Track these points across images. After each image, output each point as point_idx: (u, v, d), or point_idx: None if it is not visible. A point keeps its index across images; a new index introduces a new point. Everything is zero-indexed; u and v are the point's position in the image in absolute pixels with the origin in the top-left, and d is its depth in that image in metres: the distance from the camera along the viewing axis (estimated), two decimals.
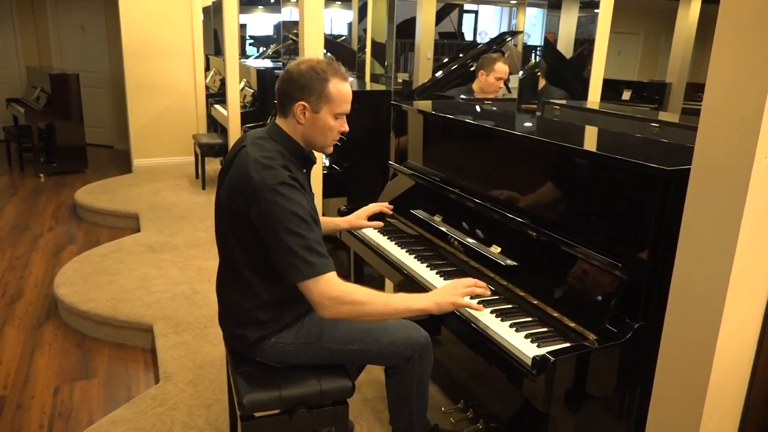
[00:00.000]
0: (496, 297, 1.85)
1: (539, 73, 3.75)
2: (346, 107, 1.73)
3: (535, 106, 3.34)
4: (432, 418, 2.37)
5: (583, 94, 3.51)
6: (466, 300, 1.70)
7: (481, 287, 1.73)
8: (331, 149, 1.82)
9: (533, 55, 4.74)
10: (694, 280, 1.25)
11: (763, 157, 1.10)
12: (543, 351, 1.50)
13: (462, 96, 3.77)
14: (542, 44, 4.10)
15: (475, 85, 3.71)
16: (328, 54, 5.83)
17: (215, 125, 6.90)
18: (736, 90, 1.12)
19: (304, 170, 1.80)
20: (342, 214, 2.51)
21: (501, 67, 3.56)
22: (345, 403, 1.82)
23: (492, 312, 1.76)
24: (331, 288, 1.57)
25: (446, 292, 1.70)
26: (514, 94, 4.41)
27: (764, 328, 1.29)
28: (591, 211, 1.76)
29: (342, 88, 1.70)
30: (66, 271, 3.70)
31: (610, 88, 4.65)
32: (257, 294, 1.72)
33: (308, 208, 1.64)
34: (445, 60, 6.02)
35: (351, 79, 5.17)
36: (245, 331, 1.77)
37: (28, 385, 2.75)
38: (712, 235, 1.20)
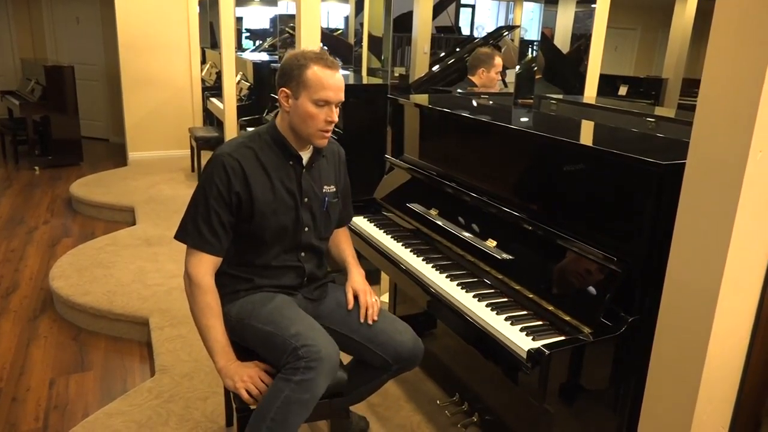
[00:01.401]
0: (492, 290, 1.86)
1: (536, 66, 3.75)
2: (327, 94, 1.70)
3: (531, 100, 3.34)
4: (427, 411, 2.39)
5: (580, 90, 3.51)
6: (242, 389, 1.69)
7: (253, 390, 1.69)
8: (321, 141, 1.78)
9: (530, 49, 4.74)
10: (688, 274, 1.26)
11: (758, 151, 1.10)
12: (538, 344, 1.51)
13: (458, 90, 3.77)
14: (539, 39, 4.10)
15: (476, 81, 3.73)
16: (325, 47, 5.82)
17: (211, 118, 6.88)
18: (731, 85, 1.12)
19: (291, 162, 1.80)
20: None
21: (499, 61, 3.66)
22: (341, 396, 1.83)
23: (487, 305, 1.76)
24: (189, 263, 1.74)
25: (235, 372, 1.71)
26: (511, 89, 4.40)
27: (757, 321, 1.30)
28: (586, 206, 1.76)
29: (321, 73, 1.69)
30: (61, 264, 3.69)
31: (607, 84, 4.65)
32: (234, 253, 1.83)
33: (223, 189, 1.69)
34: (442, 54, 6.01)
35: (345, 72, 5.16)
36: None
37: (24, 377, 2.74)
38: (707, 229, 1.20)
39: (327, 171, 1.92)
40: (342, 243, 2.09)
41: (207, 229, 1.71)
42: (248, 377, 1.70)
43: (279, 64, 1.78)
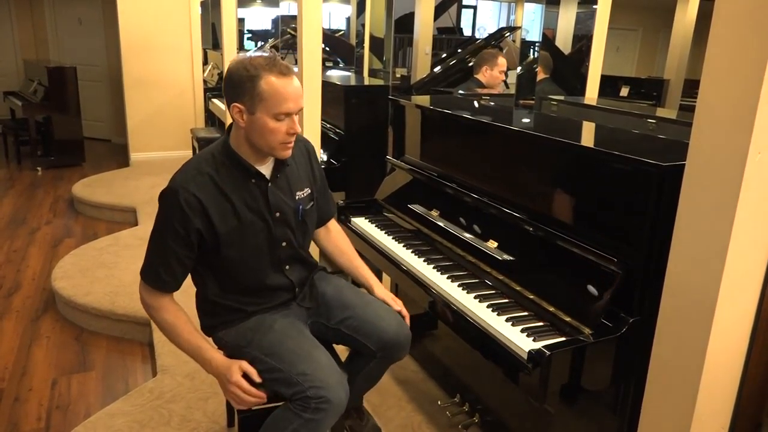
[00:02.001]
0: (493, 291, 1.87)
1: (537, 67, 3.75)
2: (287, 106, 1.55)
3: (532, 101, 3.35)
4: (428, 411, 2.39)
5: (581, 91, 3.51)
6: (235, 389, 1.62)
7: (245, 401, 1.63)
8: (285, 153, 1.63)
9: (531, 50, 4.74)
10: (688, 274, 1.26)
11: (757, 152, 1.11)
12: (539, 345, 1.51)
13: (460, 91, 3.78)
14: (540, 40, 4.11)
15: (482, 79, 3.76)
16: (326, 48, 5.83)
17: (213, 119, 6.88)
18: (730, 86, 1.13)
19: (253, 180, 1.66)
20: (340, 209, 2.52)
21: (503, 61, 3.70)
22: None
23: (488, 306, 1.77)
24: (142, 293, 1.70)
25: (224, 376, 1.63)
26: (512, 90, 4.41)
27: (756, 322, 1.30)
28: (587, 206, 1.77)
29: (278, 84, 1.53)
30: (63, 264, 3.70)
31: (609, 85, 4.65)
32: (206, 284, 1.75)
33: (181, 228, 1.58)
34: (444, 55, 6.02)
35: (347, 73, 5.16)
36: (201, 317, 1.82)
37: (26, 377, 2.75)
38: (706, 230, 1.21)
39: (297, 175, 1.78)
40: (342, 246, 2.02)
41: (163, 270, 1.63)
42: (235, 383, 1.61)
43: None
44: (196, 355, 1.68)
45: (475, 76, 3.85)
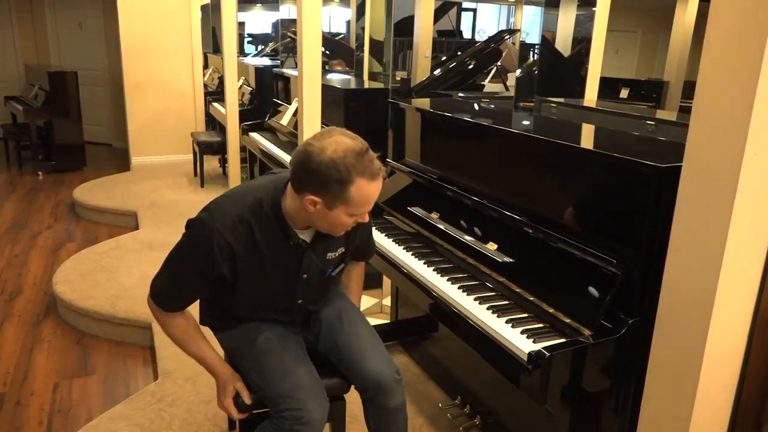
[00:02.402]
0: (493, 293, 1.87)
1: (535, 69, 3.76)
2: (367, 208, 1.50)
3: (532, 103, 3.36)
4: (429, 414, 2.39)
5: (581, 93, 3.52)
6: (223, 406, 1.70)
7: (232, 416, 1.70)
8: (336, 233, 1.58)
9: (531, 53, 4.75)
10: (685, 275, 1.27)
11: (753, 153, 1.11)
12: (539, 346, 1.51)
13: (459, 94, 3.78)
14: (540, 42, 4.12)
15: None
16: (326, 51, 5.84)
17: (213, 123, 6.90)
18: (725, 89, 1.14)
19: (291, 243, 1.59)
20: None
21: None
22: (342, 400, 1.84)
23: (489, 308, 1.77)
24: (152, 309, 1.67)
25: (220, 390, 1.71)
26: (512, 92, 4.42)
27: (754, 323, 1.31)
28: (586, 208, 1.77)
29: (366, 190, 1.44)
30: (65, 268, 3.70)
31: (608, 87, 4.66)
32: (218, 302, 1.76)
33: (206, 267, 1.54)
34: (444, 58, 6.03)
35: (347, 77, 5.18)
36: (200, 310, 1.82)
37: (27, 382, 2.76)
38: (703, 231, 1.21)
39: (335, 238, 1.67)
40: (350, 285, 1.97)
41: (179, 296, 1.64)
42: (224, 406, 1.69)
43: (302, 150, 1.42)
44: (202, 363, 1.73)
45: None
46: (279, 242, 1.57)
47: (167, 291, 1.63)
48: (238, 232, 1.53)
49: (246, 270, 1.57)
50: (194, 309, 1.76)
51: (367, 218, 1.56)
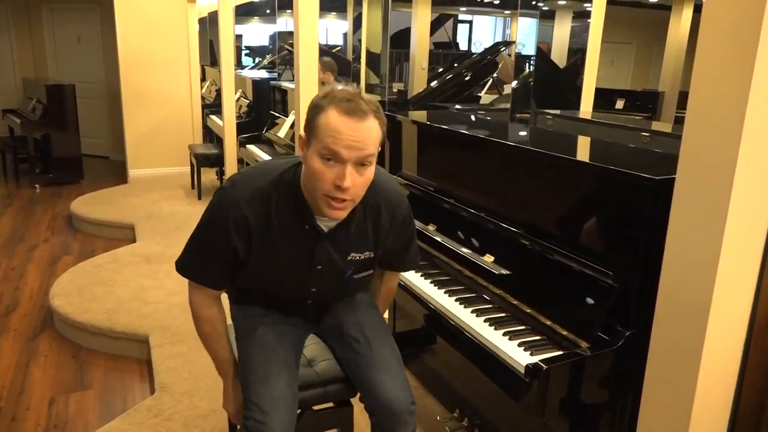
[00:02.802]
0: (490, 306, 1.87)
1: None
2: (335, 145, 1.30)
3: (528, 115, 3.37)
4: (427, 426, 2.38)
5: (577, 103, 3.54)
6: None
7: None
8: (329, 211, 1.39)
9: (527, 64, 4.78)
10: (681, 286, 1.27)
11: (745, 165, 1.12)
12: (536, 359, 1.51)
13: (457, 106, 3.80)
14: (535, 54, 4.15)
15: None
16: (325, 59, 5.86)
17: (211, 136, 6.92)
18: (718, 101, 1.15)
19: (307, 227, 1.49)
20: None
21: None
22: (349, 405, 1.83)
23: (485, 321, 1.77)
24: (189, 293, 1.62)
25: (225, 399, 1.74)
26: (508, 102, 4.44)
27: (750, 331, 1.31)
28: (582, 220, 1.78)
29: (337, 120, 1.31)
30: (61, 282, 3.69)
31: (604, 97, 4.69)
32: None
33: (221, 241, 1.49)
34: (440, 70, 6.07)
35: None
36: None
37: (23, 396, 2.74)
38: (698, 241, 1.22)
39: (362, 236, 1.56)
40: (380, 297, 1.85)
41: (202, 266, 1.57)
42: (237, 408, 1.69)
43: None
44: (215, 364, 1.72)
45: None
46: (294, 222, 1.49)
47: (188, 257, 1.57)
48: (256, 207, 1.46)
49: (259, 247, 1.50)
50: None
51: (346, 179, 1.32)
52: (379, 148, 1.40)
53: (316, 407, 1.80)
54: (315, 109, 1.36)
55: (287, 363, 1.64)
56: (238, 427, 1.72)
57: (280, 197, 1.47)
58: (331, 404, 1.82)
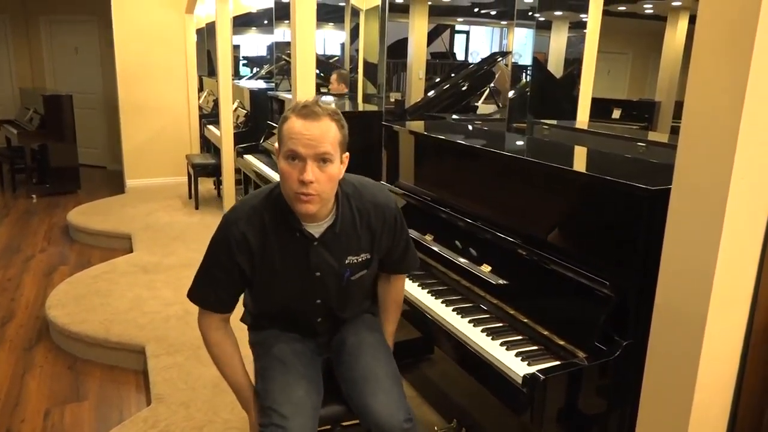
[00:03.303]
0: (487, 316, 1.87)
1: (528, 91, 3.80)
2: (293, 144, 1.45)
3: (525, 125, 3.38)
4: None
5: (573, 113, 3.55)
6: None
7: None
8: (300, 206, 1.49)
9: (524, 74, 4.80)
10: (677, 295, 1.27)
11: (740, 177, 1.12)
12: (533, 369, 1.51)
13: (453, 116, 3.81)
14: (532, 64, 4.16)
15: None
16: (321, 74, 5.89)
17: (208, 146, 6.92)
18: (713, 113, 1.15)
19: (297, 234, 1.58)
20: None
21: None
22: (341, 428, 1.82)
23: (483, 331, 1.77)
24: (198, 319, 1.70)
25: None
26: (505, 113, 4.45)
27: (747, 340, 1.31)
28: (579, 230, 1.78)
29: (292, 123, 1.46)
30: (58, 292, 3.68)
31: (601, 107, 4.70)
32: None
33: (226, 260, 1.59)
34: (437, 80, 6.08)
35: (340, 101, 5.21)
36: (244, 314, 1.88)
37: (19, 408, 2.72)
38: (694, 251, 1.22)
39: (355, 238, 1.64)
40: (388, 304, 1.88)
41: (210, 291, 1.65)
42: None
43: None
44: (239, 400, 1.74)
45: None
46: (286, 232, 1.58)
47: (197, 284, 1.67)
48: (254, 223, 1.57)
49: (261, 266, 1.60)
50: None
51: (307, 174, 1.43)
52: (346, 153, 1.56)
53: (344, 423, 1.79)
54: (281, 120, 1.51)
55: (306, 376, 1.67)
56: None
57: (271, 211, 1.58)
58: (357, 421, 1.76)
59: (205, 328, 1.69)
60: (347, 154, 1.57)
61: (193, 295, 1.68)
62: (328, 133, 1.47)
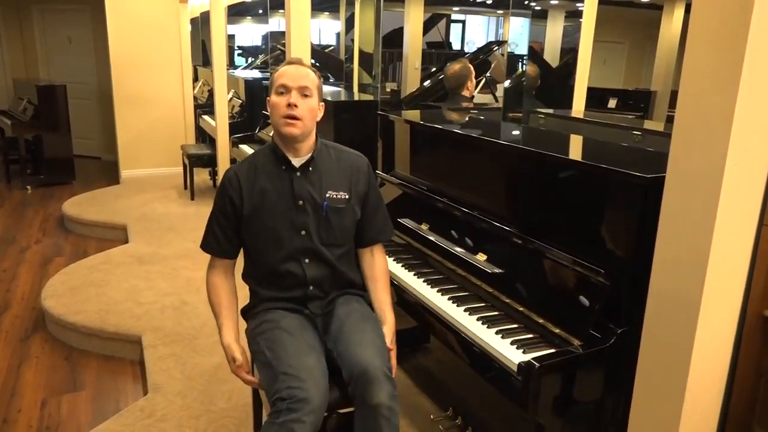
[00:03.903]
0: (483, 304, 1.87)
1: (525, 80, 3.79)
2: (283, 80, 1.79)
3: (520, 114, 3.38)
4: (421, 425, 2.38)
5: (569, 103, 3.55)
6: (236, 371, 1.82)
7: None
8: (286, 129, 1.78)
9: (519, 64, 4.78)
10: (671, 283, 1.28)
11: (734, 164, 1.13)
12: (528, 357, 1.52)
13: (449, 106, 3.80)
14: (528, 53, 4.15)
15: (466, 94, 3.75)
16: (316, 64, 5.87)
17: (203, 136, 6.90)
18: (707, 100, 1.15)
19: (283, 167, 1.85)
20: None
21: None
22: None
23: (478, 319, 1.77)
24: (207, 269, 1.94)
25: (226, 352, 1.83)
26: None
27: (741, 328, 1.32)
28: (575, 219, 1.78)
29: (283, 68, 1.82)
30: (53, 283, 3.68)
31: (597, 97, 4.70)
32: (245, 265, 1.97)
33: (221, 200, 1.86)
34: (433, 69, 6.06)
35: (337, 88, 5.18)
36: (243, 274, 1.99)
37: (15, 398, 2.73)
38: (688, 239, 1.23)
39: (335, 177, 1.88)
40: (377, 275, 1.95)
41: (211, 234, 1.90)
42: (235, 366, 1.80)
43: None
44: (220, 328, 1.87)
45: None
46: (273, 168, 1.86)
47: (205, 234, 1.92)
48: (243, 167, 1.89)
49: (249, 198, 1.84)
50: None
51: (292, 99, 1.76)
52: (322, 103, 1.87)
53: (341, 410, 1.79)
54: (273, 71, 1.89)
55: (314, 346, 1.76)
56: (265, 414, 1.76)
57: (263, 154, 1.91)
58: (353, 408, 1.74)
59: (208, 272, 1.93)
60: (323, 103, 1.88)
61: (203, 243, 1.93)
62: (308, 75, 1.82)
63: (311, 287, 1.85)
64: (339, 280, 1.89)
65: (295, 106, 1.77)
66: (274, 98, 1.81)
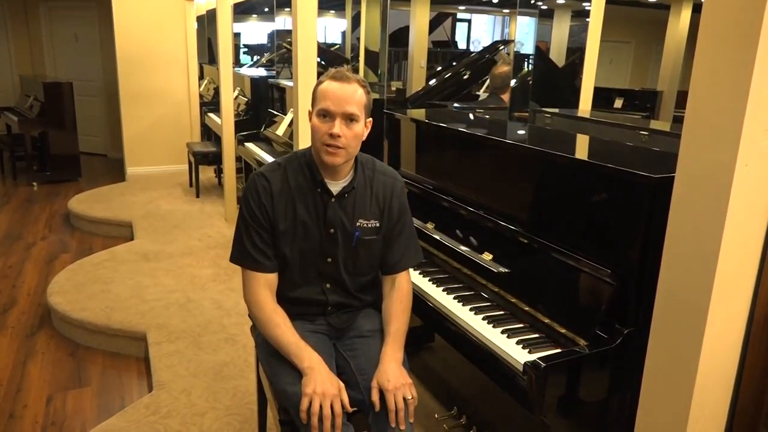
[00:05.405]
0: (488, 304, 1.87)
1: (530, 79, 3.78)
2: (326, 103, 1.60)
3: (527, 114, 3.37)
4: (425, 425, 2.38)
5: (576, 103, 3.54)
6: (305, 401, 1.52)
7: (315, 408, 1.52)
8: (327, 157, 1.62)
9: (525, 63, 4.77)
10: (679, 285, 1.27)
11: (744, 164, 1.12)
12: (534, 357, 1.51)
13: (455, 105, 3.79)
14: (534, 53, 4.15)
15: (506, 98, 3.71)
16: (322, 62, 5.87)
17: (209, 133, 6.90)
18: (717, 100, 1.14)
19: (318, 189, 1.70)
20: None
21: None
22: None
23: (484, 318, 1.77)
24: (243, 286, 1.74)
25: (313, 380, 1.54)
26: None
27: (749, 329, 1.31)
28: (581, 219, 1.78)
29: (327, 85, 1.63)
30: (59, 279, 3.69)
31: (603, 97, 4.68)
32: None
33: (256, 208, 1.69)
34: (439, 68, 6.06)
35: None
36: None
37: (21, 394, 2.74)
38: (697, 240, 1.22)
39: (367, 204, 1.74)
40: (391, 309, 1.77)
41: (250, 246, 1.70)
42: (322, 393, 1.52)
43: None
44: (294, 351, 1.62)
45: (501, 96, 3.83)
46: (306, 187, 1.71)
47: (235, 245, 1.75)
48: (275, 173, 1.72)
49: (280, 211, 1.70)
50: None
51: (336, 128, 1.59)
52: (370, 119, 1.69)
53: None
54: (316, 84, 1.68)
55: (325, 352, 1.69)
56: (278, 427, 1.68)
57: (294, 165, 1.74)
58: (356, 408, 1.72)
59: (249, 291, 1.72)
60: (371, 119, 1.70)
61: (235, 257, 1.75)
62: (355, 95, 1.62)
63: (329, 308, 1.80)
64: (359, 304, 1.83)
65: (339, 136, 1.60)
66: (315, 121, 1.64)
